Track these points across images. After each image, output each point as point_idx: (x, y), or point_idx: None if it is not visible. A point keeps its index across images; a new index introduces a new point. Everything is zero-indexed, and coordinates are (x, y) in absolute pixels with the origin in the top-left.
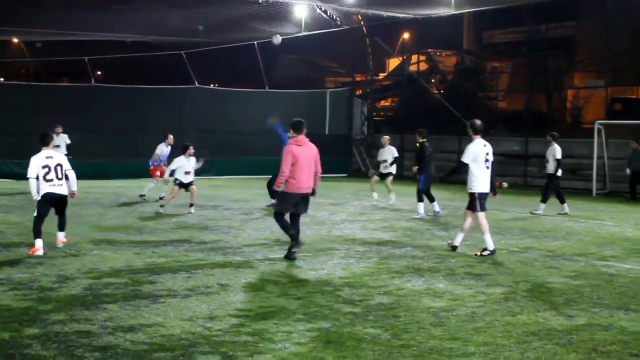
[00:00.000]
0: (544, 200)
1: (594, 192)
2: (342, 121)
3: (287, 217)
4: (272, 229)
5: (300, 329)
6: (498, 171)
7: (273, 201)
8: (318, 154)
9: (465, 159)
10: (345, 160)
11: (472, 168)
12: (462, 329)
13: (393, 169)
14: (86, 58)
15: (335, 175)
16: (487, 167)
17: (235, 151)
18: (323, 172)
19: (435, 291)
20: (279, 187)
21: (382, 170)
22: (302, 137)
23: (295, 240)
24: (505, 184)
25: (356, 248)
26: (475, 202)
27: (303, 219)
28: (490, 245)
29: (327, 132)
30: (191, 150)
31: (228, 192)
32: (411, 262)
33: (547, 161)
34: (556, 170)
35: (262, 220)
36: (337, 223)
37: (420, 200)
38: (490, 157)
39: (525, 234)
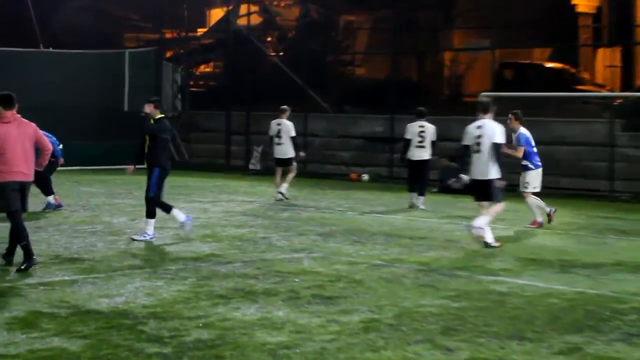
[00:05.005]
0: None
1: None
2: (148, 93)
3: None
4: (49, 241)
5: None
6: (358, 159)
7: (50, 200)
8: (38, 133)
9: None
10: None
11: None
12: None
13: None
14: None
15: (138, 167)
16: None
17: None
18: (121, 163)
19: (273, 321)
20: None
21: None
22: (11, 114)
23: (29, 256)
24: (365, 177)
25: (166, 266)
26: None
27: (93, 227)
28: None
29: (126, 109)
30: None
31: None
32: (240, 283)
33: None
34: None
35: (34, 231)
36: (140, 231)
37: (152, 215)
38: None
39: (391, 242)
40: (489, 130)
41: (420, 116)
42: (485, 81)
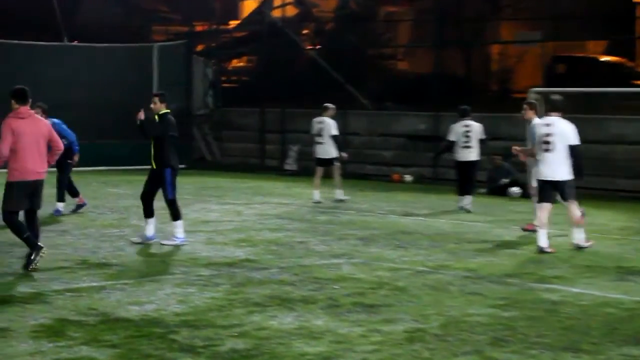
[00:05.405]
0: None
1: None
2: (177, 89)
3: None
4: (76, 245)
5: None
6: (400, 159)
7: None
8: (52, 132)
9: None
10: (182, 145)
11: None
12: None
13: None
14: None
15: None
16: None
17: None
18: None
19: (312, 331)
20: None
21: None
22: (25, 109)
23: (33, 246)
24: (408, 177)
25: (199, 271)
26: None
27: (121, 231)
28: None
29: None
30: None
31: None
32: (277, 290)
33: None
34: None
35: (60, 234)
36: (170, 236)
37: (177, 217)
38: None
39: (436, 247)
40: (561, 129)
41: (463, 115)
42: (536, 76)
